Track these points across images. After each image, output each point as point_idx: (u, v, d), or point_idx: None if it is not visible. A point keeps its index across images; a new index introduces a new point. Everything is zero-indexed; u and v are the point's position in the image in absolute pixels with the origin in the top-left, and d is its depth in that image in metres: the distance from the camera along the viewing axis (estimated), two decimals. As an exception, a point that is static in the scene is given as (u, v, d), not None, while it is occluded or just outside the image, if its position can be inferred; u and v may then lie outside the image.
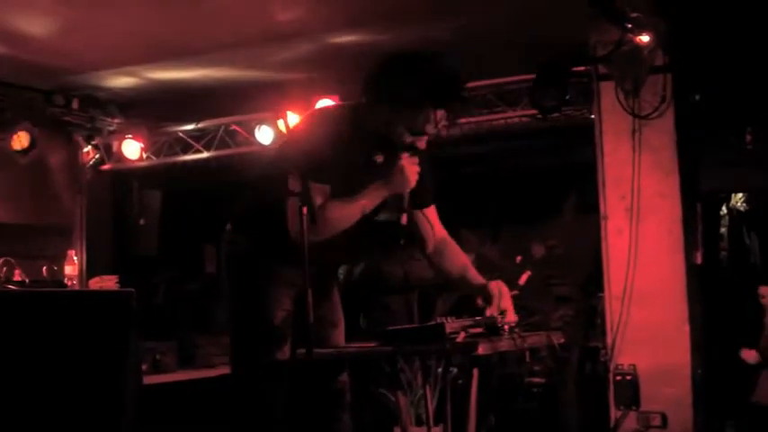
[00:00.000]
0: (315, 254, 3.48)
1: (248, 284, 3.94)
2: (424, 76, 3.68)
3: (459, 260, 4.22)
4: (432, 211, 4.14)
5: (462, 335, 3.59)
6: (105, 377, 5.90)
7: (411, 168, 3.74)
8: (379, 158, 3.80)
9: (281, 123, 7.80)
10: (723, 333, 6.63)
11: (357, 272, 8.71)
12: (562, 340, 4.09)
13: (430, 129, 3.74)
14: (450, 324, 3.61)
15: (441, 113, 3.74)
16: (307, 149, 3.67)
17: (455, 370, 4.33)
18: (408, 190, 3.77)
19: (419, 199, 3.96)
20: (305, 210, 3.43)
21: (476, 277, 4.15)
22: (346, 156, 3.68)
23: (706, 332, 6.41)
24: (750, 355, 6.43)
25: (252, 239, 3.93)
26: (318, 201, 3.60)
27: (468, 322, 3.71)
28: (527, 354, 4.51)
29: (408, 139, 3.72)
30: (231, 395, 4.11)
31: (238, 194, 4.20)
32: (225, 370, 4.21)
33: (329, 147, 3.64)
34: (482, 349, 3.48)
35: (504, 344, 3.68)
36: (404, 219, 3.78)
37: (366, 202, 3.74)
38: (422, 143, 3.77)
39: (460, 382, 4.19)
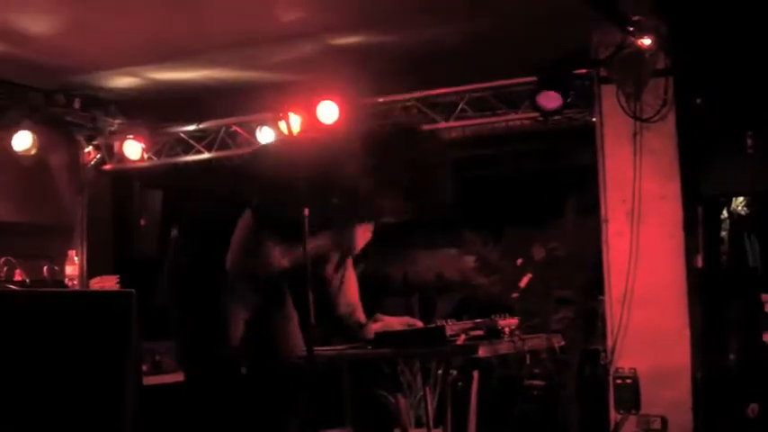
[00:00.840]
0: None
1: (200, 296, 3.92)
2: (426, 165, 3.77)
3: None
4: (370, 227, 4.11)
5: (463, 337, 3.60)
6: (106, 377, 5.90)
7: (364, 235, 3.86)
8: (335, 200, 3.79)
9: (282, 124, 7.79)
10: (723, 336, 6.61)
11: (357, 273, 8.71)
12: (562, 343, 4.10)
13: (391, 219, 3.84)
14: (451, 326, 3.62)
15: (407, 205, 3.79)
16: (271, 187, 3.70)
17: (454, 372, 4.33)
18: (354, 253, 3.90)
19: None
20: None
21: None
22: (306, 198, 3.66)
23: (706, 335, 6.41)
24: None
25: (201, 249, 3.92)
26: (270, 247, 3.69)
27: (468, 325, 3.72)
28: (527, 356, 4.50)
29: (386, 214, 3.82)
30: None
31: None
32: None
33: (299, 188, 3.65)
34: (482, 352, 3.49)
35: (505, 346, 3.68)
36: (328, 271, 3.91)
37: (310, 249, 3.66)
38: (382, 225, 3.88)
39: (460, 384, 4.20)
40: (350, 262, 4.16)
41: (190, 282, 3.91)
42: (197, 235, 3.97)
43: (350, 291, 4.16)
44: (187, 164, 8.53)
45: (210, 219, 3.95)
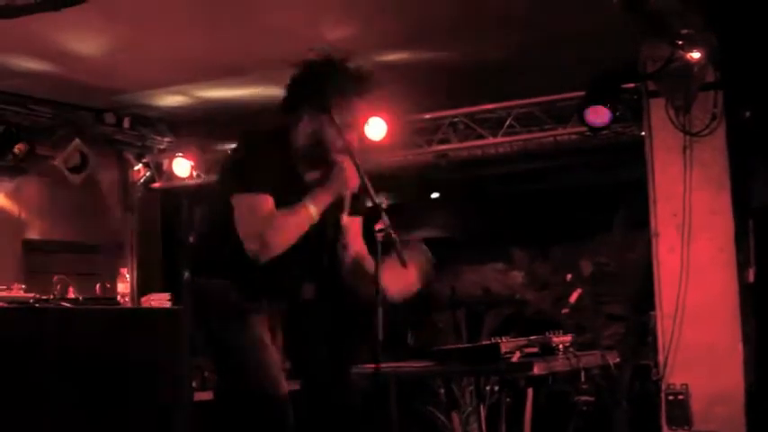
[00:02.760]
0: (272, 278, 3.58)
1: (227, 336, 3.81)
2: (334, 73, 3.72)
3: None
4: (358, 223, 3.98)
5: (517, 354, 3.59)
6: (156, 393, 5.95)
7: (350, 168, 3.68)
8: (313, 176, 3.75)
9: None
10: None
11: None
12: (617, 360, 4.08)
13: (355, 120, 3.74)
14: (506, 344, 3.61)
15: (361, 104, 3.75)
16: (243, 166, 3.68)
17: (505, 388, 4.32)
18: (350, 190, 3.72)
19: (353, 205, 3.87)
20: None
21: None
22: (279, 172, 3.65)
23: (759, 351, 6.34)
24: None
25: (215, 279, 3.83)
26: (266, 210, 3.57)
27: (522, 342, 3.70)
28: (581, 373, 4.48)
29: (339, 141, 3.68)
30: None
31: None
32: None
33: (262, 161, 3.64)
34: (538, 369, 3.49)
35: (560, 363, 3.67)
36: (343, 219, 3.75)
37: (313, 208, 3.65)
38: (352, 137, 3.73)
39: (509, 400, 4.19)
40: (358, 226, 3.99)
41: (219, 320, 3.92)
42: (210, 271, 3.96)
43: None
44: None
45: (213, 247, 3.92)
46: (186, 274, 3.99)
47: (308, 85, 3.79)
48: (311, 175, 3.76)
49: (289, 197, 3.62)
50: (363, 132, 3.80)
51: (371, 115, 7.36)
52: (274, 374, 3.77)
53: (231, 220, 3.63)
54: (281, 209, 3.59)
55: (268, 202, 3.58)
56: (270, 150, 3.68)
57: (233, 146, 4.06)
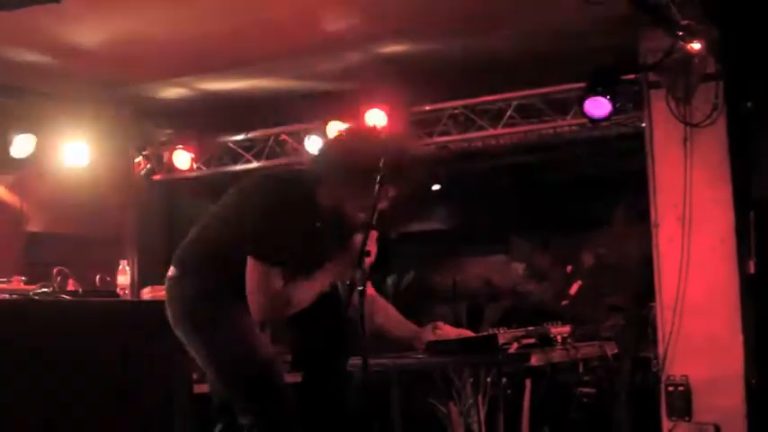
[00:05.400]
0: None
1: (223, 331, 3.89)
2: (379, 156, 3.64)
3: (393, 313, 4.20)
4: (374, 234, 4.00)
5: (515, 345, 3.59)
6: (156, 385, 5.95)
7: (371, 242, 3.67)
8: (329, 241, 3.81)
9: (330, 132, 7.83)
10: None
11: (405, 281, 8.71)
12: (615, 351, 4.07)
13: (382, 206, 3.71)
14: (503, 335, 3.61)
15: (392, 190, 3.75)
16: (266, 233, 3.69)
17: (504, 380, 4.32)
18: (368, 263, 3.69)
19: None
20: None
21: (412, 326, 4.16)
22: (299, 236, 3.71)
23: (759, 342, 6.34)
24: None
25: (206, 284, 3.90)
26: (278, 284, 3.64)
27: (520, 333, 3.70)
28: (580, 364, 4.48)
29: (361, 216, 3.70)
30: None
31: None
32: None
33: (286, 231, 3.67)
34: (535, 360, 3.48)
35: (558, 354, 3.67)
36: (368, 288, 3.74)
37: (323, 281, 3.76)
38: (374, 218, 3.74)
39: (509, 392, 4.19)
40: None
41: (211, 321, 3.93)
42: (202, 272, 3.99)
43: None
44: (236, 173, 8.57)
45: (215, 258, 3.97)
46: (172, 271, 4.01)
47: (337, 155, 3.82)
48: (328, 240, 3.82)
49: (304, 258, 3.71)
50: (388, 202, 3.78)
51: (371, 107, 7.39)
52: (267, 358, 3.85)
53: (237, 256, 3.69)
54: (292, 281, 3.66)
55: (276, 278, 3.65)
56: (294, 213, 3.71)
57: (262, 187, 3.99)
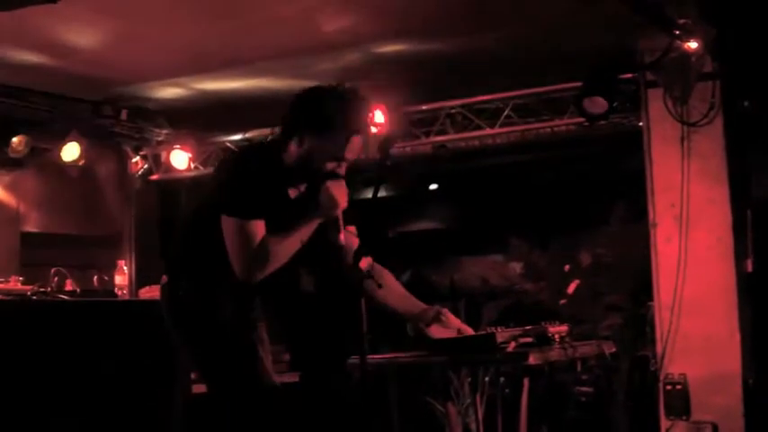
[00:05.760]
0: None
1: (216, 337, 3.87)
2: (341, 106, 3.74)
3: (397, 286, 4.18)
4: (353, 229, 4.04)
5: (513, 344, 3.58)
6: (155, 385, 5.95)
7: (339, 190, 3.73)
8: (294, 193, 3.83)
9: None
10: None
11: (403, 280, 8.70)
12: (613, 350, 4.07)
13: (350, 155, 3.77)
14: (501, 333, 3.61)
15: (358, 140, 3.77)
16: (235, 189, 3.69)
17: (503, 379, 4.32)
18: (340, 211, 3.74)
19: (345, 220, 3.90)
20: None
21: (417, 302, 4.14)
22: (269, 194, 3.71)
23: (757, 340, 6.34)
24: None
25: (196, 284, 3.88)
26: (256, 237, 3.63)
27: (518, 332, 3.70)
28: (578, 363, 4.48)
29: (329, 166, 3.75)
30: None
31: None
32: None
33: (255, 186, 3.67)
34: (533, 359, 3.48)
35: (555, 353, 3.67)
36: (341, 237, 3.74)
37: (304, 232, 3.73)
38: (342, 169, 3.80)
39: (507, 391, 4.19)
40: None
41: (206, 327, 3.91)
42: (191, 272, 3.97)
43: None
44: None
45: (198, 255, 3.95)
46: (165, 278, 3.97)
47: (304, 106, 3.82)
48: (296, 193, 3.85)
49: (276, 216, 3.68)
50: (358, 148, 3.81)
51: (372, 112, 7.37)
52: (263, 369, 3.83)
53: (218, 232, 3.68)
54: (271, 235, 3.65)
55: (259, 228, 3.64)
56: (260, 170, 3.72)
57: (225, 161, 4.08)
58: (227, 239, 3.66)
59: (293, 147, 3.78)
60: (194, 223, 3.97)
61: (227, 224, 3.65)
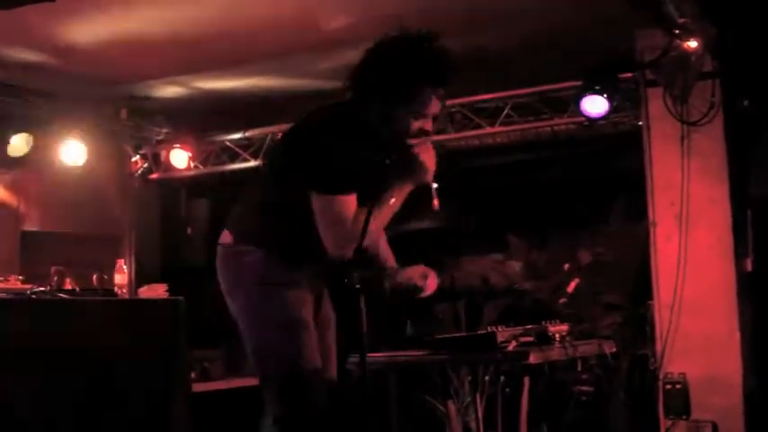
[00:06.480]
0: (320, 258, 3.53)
1: (270, 293, 3.81)
2: (417, 57, 3.60)
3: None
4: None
5: (513, 343, 3.59)
6: (154, 384, 5.94)
7: (427, 154, 3.63)
8: (386, 159, 3.67)
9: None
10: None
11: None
12: (614, 349, 4.08)
13: (433, 109, 3.65)
14: (502, 333, 3.62)
15: (440, 92, 3.65)
16: (321, 162, 3.56)
17: (503, 378, 4.32)
18: (431, 176, 3.65)
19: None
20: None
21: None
22: (358, 164, 3.58)
23: (757, 340, 6.34)
24: None
25: (262, 250, 3.80)
26: (349, 212, 3.53)
27: (518, 331, 3.71)
28: (578, 362, 4.48)
29: (415, 124, 3.62)
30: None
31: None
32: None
33: (343, 158, 3.54)
34: (533, 358, 3.49)
35: (556, 352, 3.67)
36: (435, 204, 3.68)
37: (395, 201, 3.63)
38: (428, 124, 3.67)
39: (508, 390, 4.19)
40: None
41: (264, 285, 3.84)
42: (259, 238, 3.88)
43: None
44: (233, 172, 8.58)
45: (272, 222, 3.86)
46: (224, 238, 3.91)
47: (381, 61, 3.66)
48: (383, 158, 3.65)
49: (366, 184, 3.57)
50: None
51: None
52: (309, 353, 3.75)
53: (301, 207, 3.57)
54: (362, 206, 3.51)
55: (352, 202, 3.54)
56: (346, 139, 3.57)
57: (303, 130, 3.80)
58: (319, 216, 3.54)
59: (373, 106, 3.63)
60: (274, 194, 3.81)
61: (319, 201, 3.54)
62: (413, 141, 3.62)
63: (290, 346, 3.74)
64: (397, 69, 3.57)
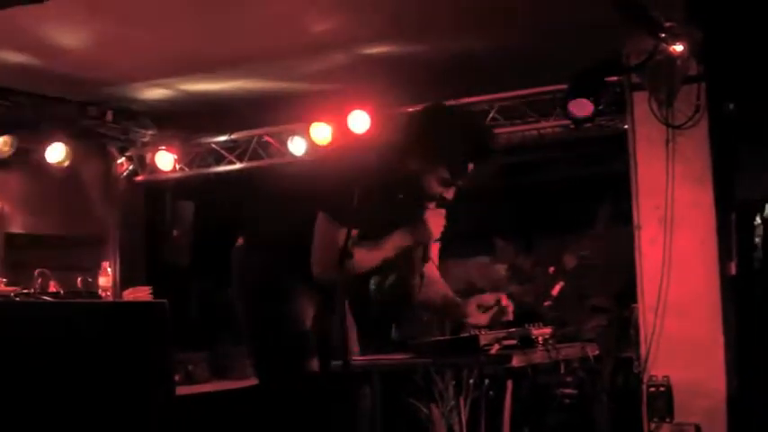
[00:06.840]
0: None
1: (272, 298, 3.91)
2: (463, 131, 3.72)
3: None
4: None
5: (496, 347, 3.59)
6: (138, 387, 5.94)
7: (436, 220, 3.79)
8: (400, 196, 3.81)
9: (313, 134, 7.83)
10: (758, 344, 6.57)
11: (388, 283, 8.69)
12: (597, 352, 4.07)
13: (461, 182, 3.78)
14: (485, 336, 3.61)
15: (471, 167, 3.77)
16: (336, 188, 3.65)
17: (487, 381, 4.32)
18: (431, 241, 3.82)
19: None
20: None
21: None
22: (372, 196, 3.64)
23: (741, 343, 6.36)
24: None
25: (269, 257, 3.91)
26: (340, 241, 3.55)
27: (501, 334, 3.70)
28: (561, 365, 4.48)
29: (438, 189, 3.76)
30: (263, 407, 4.10)
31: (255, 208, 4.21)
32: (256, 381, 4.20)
33: (359, 188, 3.56)
34: (516, 361, 3.48)
35: (539, 355, 3.67)
36: (425, 267, 3.88)
37: (389, 249, 3.77)
38: (450, 194, 3.80)
39: (491, 393, 4.19)
40: (435, 251, 4.10)
41: (265, 292, 3.93)
42: (265, 245, 3.99)
43: (432, 283, 4.13)
44: (219, 174, 8.57)
45: (278, 227, 3.98)
46: (240, 241, 4.02)
47: (420, 125, 3.79)
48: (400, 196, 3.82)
49: (373, 221, 3.67)
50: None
51: (354, 108, 7.38)
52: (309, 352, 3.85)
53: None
54: (359, 242, 3.61)
55: (344, 235, 3.55)
56: (370, 180, 3.64)
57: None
58: (316, 231, 3.68)
59: (410, 157, 3.75)
60: (283, 198, 4.03)
61: (321, 219, 3.67)
62: (429, 204, 3.80)
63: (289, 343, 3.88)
64: (446, 140, 3.71)
